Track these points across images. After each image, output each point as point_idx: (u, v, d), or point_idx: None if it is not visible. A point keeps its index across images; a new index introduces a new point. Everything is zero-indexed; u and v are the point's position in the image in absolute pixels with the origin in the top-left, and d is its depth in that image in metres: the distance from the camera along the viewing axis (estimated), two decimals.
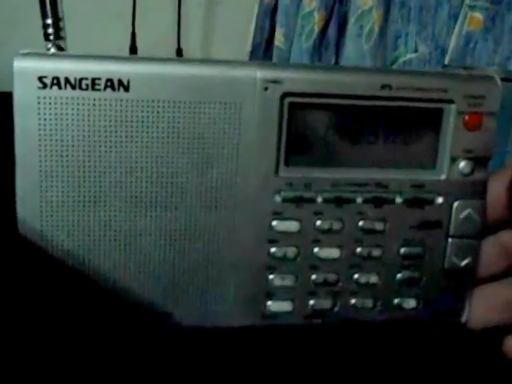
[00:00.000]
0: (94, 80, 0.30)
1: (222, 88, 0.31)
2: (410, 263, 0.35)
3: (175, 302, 0.33)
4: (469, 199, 0.35)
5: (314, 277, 0.34)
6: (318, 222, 0.34)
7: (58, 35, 0.34)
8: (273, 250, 0.34)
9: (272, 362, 0.34)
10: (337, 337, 0.36)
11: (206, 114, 0.31)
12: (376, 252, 0.35)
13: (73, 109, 0.30)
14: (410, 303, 0.36)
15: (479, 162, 0.35)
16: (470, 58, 0.80)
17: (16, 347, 0.32)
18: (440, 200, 0.35)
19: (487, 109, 0.34)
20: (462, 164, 0.34)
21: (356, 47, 0.94)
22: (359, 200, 0.34)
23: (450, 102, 0.34)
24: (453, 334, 0.37)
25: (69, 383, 0.30)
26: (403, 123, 0.34)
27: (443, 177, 0.34)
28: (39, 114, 0.30)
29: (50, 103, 0.30)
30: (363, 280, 0.35)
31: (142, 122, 0.31)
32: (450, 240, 0.35)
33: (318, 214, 0.34)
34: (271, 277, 0.34)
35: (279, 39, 1.06)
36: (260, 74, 0.31)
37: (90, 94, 0.30)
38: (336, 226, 0.34)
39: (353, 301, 0.35)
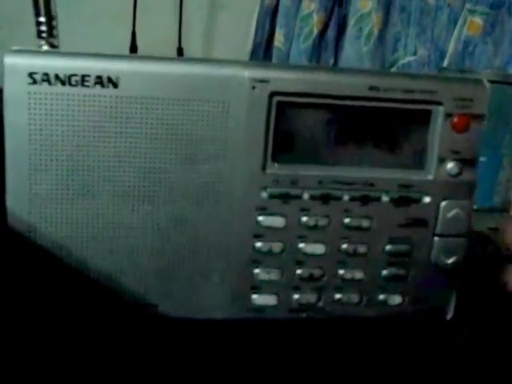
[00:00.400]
0: (83, 76, 0.30)
1: (210, 86, 0.32)
2: (396, 260, 0.36)
3: (163, 294, 0.34)
4: (456, 199, 0.35)
5: (299, 271, 0.35)
6: (304, 219, 0.34)
7: (51, 33, 0.34)
8: (258, 244, 0.34)
9: (258, 356, 0.34)
10: (323, 331, 0.36)
11: (195, 111, 0.32)
12: (362, 249, 0.35)
13: (62, 104, 0.31)
14: (396, 299, 0.36)
15: (467, 163, 0.35)
16: (468, 62, 0.81)
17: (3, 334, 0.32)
18: (427, 199, 0.35)
19: (475, 111, 0.34)
20: (450, 165, 0.35)
21: (355, 49, 0.95)
22: (346, 198, 0.34)
23: (439, 103, 0.34)
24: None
25: (55, 370, 0.31)
26: (391, 124, 0.35)
27: (431, 177, 0.35)
28: (29, 109, 0.30)
29: (40, 99, 0.30)
30: (348, 276, 0.35)
31: (131, 118, 0.31)
32: (436, 238, 0.36)
33: (304, 210, 0.34)
34: (257, 271, 0.35)
35: (279, 40, 1.07)
36: (248, 73, 0.32)
37: (79, 90, 0.30)
38: (322, 222, 0.34)
39: (338, 296, 0.36)
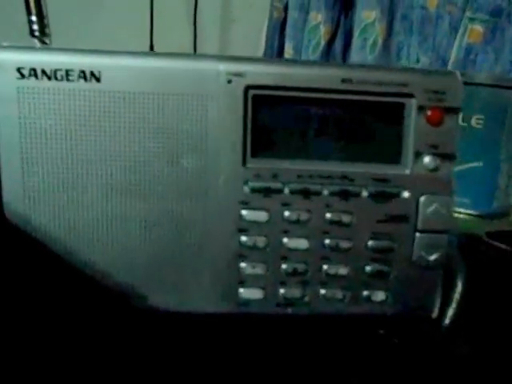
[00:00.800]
0: (67, 71, 0.32)
1: (187, 80, 0.33)
2: (379, 256, 0.36)
3: (151, 287, 0.35)
4: (435, 194, 0.35)
5: (283, 266, 0.35)
6: (286, 213, 0.35)
7: (43, 32, 0.35)
8: (243, 238, 0.35)
9: (247, 350, 0.34)
10: (309, 327, 0.36)
11: (175, 105, 0.33)
12: (344, 244, 0.35)
13: (49, 99, 0.32)
14: (379, 296, 0.36)
15: (444, 157, 0.35)
16: (471, 69, 0.81)
17: None
18: (406, 194, 0.35)
19: (449, 104, 0.35)
20: (427, 159, 0.35)
21: (360, 59, 0.96)
22: (326, 192, 0.35)
23: (411, 96, 0.35)
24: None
25: (44, 359, 0.31)
26: (366, 118, 0.35)
27: (408, 171, 0.35)
28: (19, 103, 0.32)
29: (28, 93, 0.32)
30: (332, 271, 0.36)
31: (114, 112, 0.32)
32: (417, 234, 0.36)
33: (285, 204, 0.35)
34: (243, 265, 0.35)
35: (288, 52, 1.09)
36: (223, 67, 0.33)
37: (64, 84, 0.32)
38: (303, 216, 0.35)
39: (322, 291, 0.36)
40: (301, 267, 0.35)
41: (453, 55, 0.81)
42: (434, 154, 0.35)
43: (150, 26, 1.03)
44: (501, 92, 0.59)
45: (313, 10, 1.04)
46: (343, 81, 0.34)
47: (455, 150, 0.35)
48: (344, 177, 0.35)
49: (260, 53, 1.11)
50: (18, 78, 0.31)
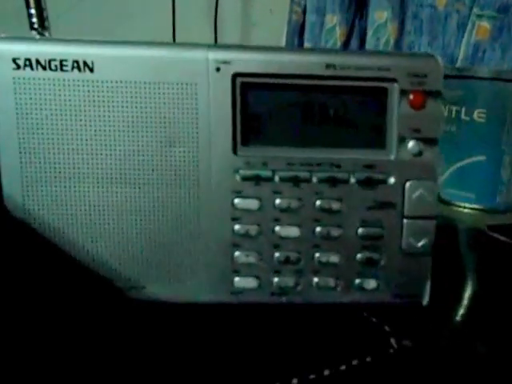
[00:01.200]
0: (61, 61, 0.32)
1: (178, 69, 0.33)
2: (369, 244, 0.36)
3: (146, 277, 0.35)
4: (420, 180, 0.36)
5: (276, 255, 0.36)
6: (277, 201, 0.35)
7: (43, 25, 0.36)
8: (237, 227, 0.35)
9: (242, 339, 0.34)
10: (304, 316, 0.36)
11: (166, 94, 0.33)
12: (335, 232, 0.36)
13: (45, 89, 0.33)
14: (371, 284, 0.37)
15: (428, 142, 0.35)
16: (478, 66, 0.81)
17: None
18: (392, 180, 0.36)
19: (430, 87, 0.35)
20: (411, 144, 0.35)
21: None
22: (315, 179, 0.35)
23: (393, 80, 0.35)
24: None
25: (40, 351, 0.31)
26: (350, 103, 0.36)
27: (392, 157, 0.36)
28: (15, 93, 0.33)
29: (24, 83, 0.33)
30: (324, 259, 0.36)
31: (107, 101, 0.33)
32: (405, 221, 0.36)
33: (276, 192, 0.35)
34: (237, 254, 0.36)
35: None
36: (211, 55, 0.34)
37: (58, 74, 0.33)
38: (294, 204, 0.35)
39: (315, 280, 0.36)
40: (293, 256, 0.36)
41: (461, 53, 0.81)
42: (417, 139, 0.35)
43: (173, 31, 1.05)
44: (503, 86, 0.59)
45: (329, 12, 1.05)
46: (327, 66, 0.34)
47: (438, 134, 0.36)
48: (331, 163, 0.35)
49: None
50: (14, 69, 0.32)
